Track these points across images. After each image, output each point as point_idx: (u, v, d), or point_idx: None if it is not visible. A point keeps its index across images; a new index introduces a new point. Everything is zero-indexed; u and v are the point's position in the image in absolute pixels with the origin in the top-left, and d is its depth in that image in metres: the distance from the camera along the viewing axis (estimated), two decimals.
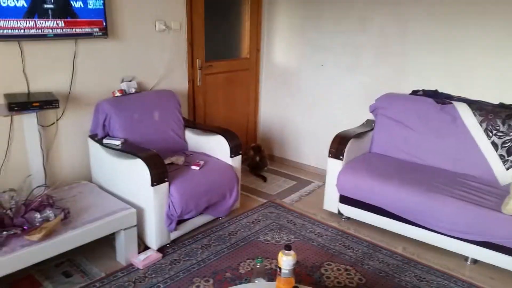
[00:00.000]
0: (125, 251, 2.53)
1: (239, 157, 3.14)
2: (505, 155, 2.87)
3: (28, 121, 2.60)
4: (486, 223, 2.48)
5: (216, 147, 3.14)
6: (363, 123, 3.57)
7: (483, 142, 2.96)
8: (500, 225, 2.43)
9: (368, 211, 2.99)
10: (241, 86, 4.30)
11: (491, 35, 3.01)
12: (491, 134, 2.93)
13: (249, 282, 2.27)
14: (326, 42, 3.88)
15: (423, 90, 3.35)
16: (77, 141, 2.97)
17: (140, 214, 2.60)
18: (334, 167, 3.12)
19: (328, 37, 3.86)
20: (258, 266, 2.17)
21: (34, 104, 2.46)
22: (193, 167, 2.89)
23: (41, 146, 2.69)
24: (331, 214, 3.28)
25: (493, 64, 3.04)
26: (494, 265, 2.57)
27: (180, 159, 2.98)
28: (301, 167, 4.35)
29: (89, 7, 2.74)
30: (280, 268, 1.81)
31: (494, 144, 2.92)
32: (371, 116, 3.53)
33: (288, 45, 4.20)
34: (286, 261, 1.80)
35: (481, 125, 2.97)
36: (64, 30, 2.66)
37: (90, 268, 2.51)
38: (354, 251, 2.79)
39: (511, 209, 2.39)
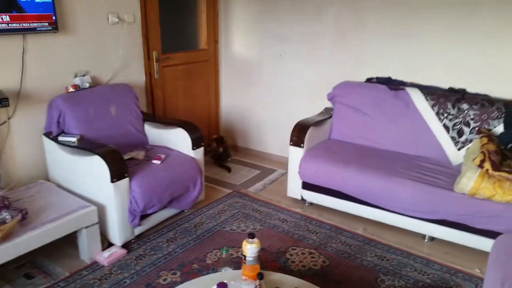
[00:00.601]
0: (89, 249, 2.49)
1: (201, 149, 3.13)
2: (456, 137, 3.02)
3: None
4: (440, 202, 2.60)
5: (177, 140, 3.12)
6: (322, 111, 3.65)
7: (435, 125, 3.09)
8: (453, 203, 2.56)
9: (330, 195, 3.07)
10: (201, 78, 4.27)
11: (441, 24, 3.13)
12: (442, 117, 3.07)
13: (216, 271, 2.29)
14: (283, 32, 3.91)
15: (377, 78, 3.46)
16: (32, 140, 2.87)
17: (101, 211, 2.56)
18: (295, 154, 3.17)
19: (285, 27, 3.89)
20: (224, 256, 2.19)
21: None
22: (154, 161, 2.86)
23: None
24: (294, 200, 3.34)
25: (443, 52, 3.17)
26: (448, 241, 2.71)
27: (140, 154, 2.93)
28: (264, 156, 4.40)
29: (37, 0, 2.63)
30: (245, 256, 1.84)
31: (445, 127, 3.06)
32: (329, 104, 3.61)
33: (246, 35, 4.20)
34: (250, 249, 1.83)
35: (432, 109, 3.10)
36: (10, 25, 2.55)
37: (53, 268, 2.45)
38: (318, 234, 2.87)
39: (462, 188, 2.51)
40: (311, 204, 3.29)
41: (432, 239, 2.83)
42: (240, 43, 4.26)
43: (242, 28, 4.20)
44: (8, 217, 2.15)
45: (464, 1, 3.01)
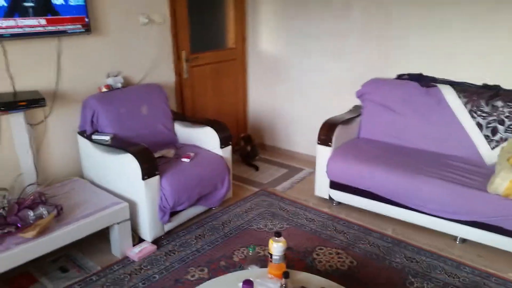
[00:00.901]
0: (120, 245, 2.56)
1: (229, 148, 3.17)
2: (490, 135, 2.93)
3: (16, 120, 2.59)
4: (472, 203, 2.53)
5: (206, 138, 3.16)
6: (351, 109, 3.61)
7: (468, 123, 3.00)
8: (486, 204, 2.49)
9: (358, 195, 3.04)
10: (229, 77, 4.30)
11: (472, 17, 3.04)
12: (475, 115, 2.98)
13: (243, 269, 2.31)
14: (311, 29, 3.89)
15: (408, 74, 3.38)
16: (67, 138, 2.98)
17: (133, 207, 2.63)
18: (323, 153, 3.16)
19: (313, 24, 3.86)
20: (251, 254, 2.22)
21: (21, 104, 2.46)
22: (183, 159, 2.91)
23: (30, 145, 2.69)
24: (322, 200, 3.32)
25: (476, 46, 3.07)
26: (481, 243, 2.63)
27: (170, 152, 3.00)
28: (292, 154, 4.39)
29: (70, 3, 2.72)
30: (271, 255, 1.86)
31: (479, 125, 2.97)
32: (358, 102, 3.57)
33: (273, 33, 4.20)
34: (276, 247, 1.84)
35: (465, 107, 3.01)
36: (46, 28, 2.65)
37: (86, 262, 2.55)
38: (345, 235, 2.85)
39: (496, 188, 2.44)
40: (339, 203, 3.26)
41: (463, 241, 2.75)
42: (267, 41, 4.27)
43: (269, 26, 4.20)
44: (45, 212, 2.26)
45: None
